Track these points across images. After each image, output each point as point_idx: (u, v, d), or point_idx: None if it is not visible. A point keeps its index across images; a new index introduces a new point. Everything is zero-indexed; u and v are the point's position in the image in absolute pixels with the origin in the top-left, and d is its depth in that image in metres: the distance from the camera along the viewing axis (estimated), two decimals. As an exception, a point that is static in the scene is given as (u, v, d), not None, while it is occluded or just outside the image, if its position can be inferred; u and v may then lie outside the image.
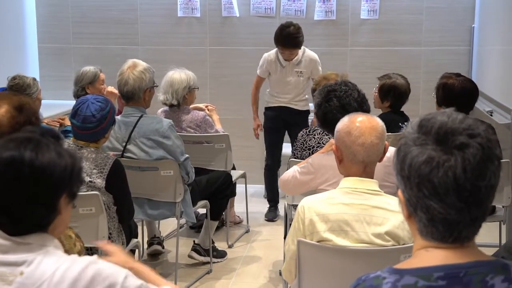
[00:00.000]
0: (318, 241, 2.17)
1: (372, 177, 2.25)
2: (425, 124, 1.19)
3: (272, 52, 4.88)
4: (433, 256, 1.18)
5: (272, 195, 5.10)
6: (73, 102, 4.58)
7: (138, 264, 1.64)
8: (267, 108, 4.97)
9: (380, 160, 2.30)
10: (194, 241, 4.16)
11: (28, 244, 1.41)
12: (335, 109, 2.72)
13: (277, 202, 5.11)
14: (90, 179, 2.91)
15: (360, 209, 2.16)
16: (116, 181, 2.95)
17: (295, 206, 3.48)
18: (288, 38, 4.67)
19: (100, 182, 2.91)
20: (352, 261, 2.13)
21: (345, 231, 2.15)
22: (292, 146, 5.05)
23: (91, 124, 2.94)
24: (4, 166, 1.38)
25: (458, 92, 3.67)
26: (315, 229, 2.17)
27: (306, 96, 4.90)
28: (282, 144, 5.01)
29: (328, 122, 2.76)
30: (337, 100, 2.74)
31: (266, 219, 5.01)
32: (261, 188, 5.55)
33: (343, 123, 2.30)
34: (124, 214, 3.05)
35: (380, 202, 2.17)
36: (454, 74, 3.82)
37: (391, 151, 2.37)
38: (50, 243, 1.43)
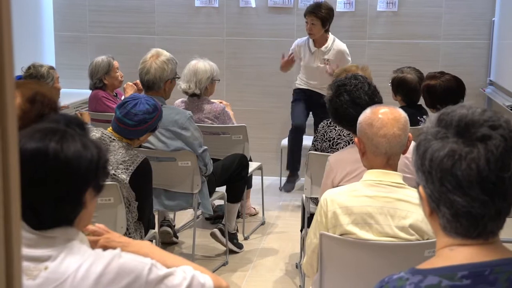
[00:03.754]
0: (341, 234, 2.17)
1: (395, 170, 2.24)
2: (444, 117, 1.18)
3: (304, 38, 4.98)
4: (457, 255, 1.16)
5: (293, 162, 5.01)
6: (89, 92, 4.68)
7: (147, 245, 1.61)
8: (295, 89, 5.07)
9: (404, 152, 2.28)
10: (221, 222, 4.18)
11: (53, 238, 1.39)
12: (346, 104, 2.72)
13: (298, 169, 5.03)
14: (114, 173, 2.90)
15: (384, 201, 2.14)
16: (141, 180, 2.93)
17: (313, 199, 3.50)
18: (313, 5, 4.87)
19: (124, 177, 2.90)
20: (376, 255, 2.12)
21: (368, 224, 2.14)
22: (315, 124, 5.09)
23: (130, 121, 2.94)
24: (29, 159, 1.34)
25: (441, 93, 3.62)
26: (338, 222, 2.16)
27: None
28: (308, 113, 5.02)
29: (339, 117, 2.77)
30: (347, 94, 2.73)
31: (281, 189, 4.98)
32: (277, 180, 5.55)
33: (365, 115, 2.28)
34: (145, 213, 3.04)
35: (404, 195, 2.15)
36: (438, 73, 3.76)
37: (412, 143, 2.36)
38: (76, 237, 1.41)
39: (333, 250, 2.19)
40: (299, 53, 4.97)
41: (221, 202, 4.35)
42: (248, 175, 4.29)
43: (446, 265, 1.15)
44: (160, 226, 4.28)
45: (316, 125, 5.01)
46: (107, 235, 1.62)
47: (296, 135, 4.95)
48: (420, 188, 1.20)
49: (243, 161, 4.15)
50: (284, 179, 5.47)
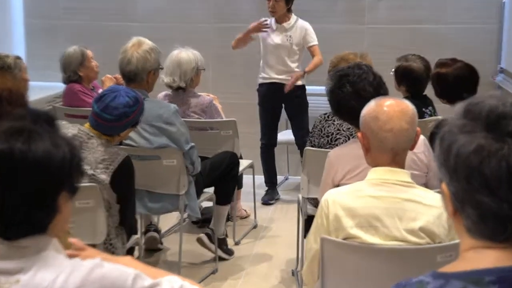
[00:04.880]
0: (344, 239, 2.16)
1: (403, 167, 2.23)
2: (472, 108, 1.15)
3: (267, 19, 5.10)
4: (483, 258, 1.14)
5: (269, 176, 5.28)
6: (63, 86, 4.63)
7: (128, 260, 1.60)
8: (260, 85, 5.17)
9: (412, 148, 2.27)
10: (207, 227, 4.16)
11: (25, 248, 1.36)
12: (349, 96, 2.71)
13: (275, 184, 5.34)
14: (93, 173, 2.86)
15: (391, 202, 2.13)
16: (122, 180, 2.92)
17: (310, 200, 3.49)
18: None
19: (104, 178, 2.87)
20: (383, 261, 2.11)
21: (374, 226, 2.12)
22: (292, 126, 5.22)
23: (109, 116, 2.92)
24: None
25: (453, 83, 3.60)
26: (341, 225, 2.15)
27: (301, 70, 5.08)
28: (277, 122, 5.24)
29: (341, 111, 2.77)
30: (350, 85, 2.72)
31: (262, 202, 5.14)
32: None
33: (369, 108, 2.27)
34: (127, 216, 3.02)
35: (413, 195, 2.15)
36: (450, 60, 3.73)
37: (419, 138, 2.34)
38: (50, 246, 1.38)
39: (336, 256, 2.17)
40: (259, 34, 5.07)
41: (210, 204, 4.32)
42: (239, 174, 4.28)
43: (471, 269, 1.13)
44: (146, 231, 4.26)
45: (294, 124, 5.20)
46: (84, 253, 1.59)
47: (268, 151, 5.25)
48: (443, 185, 1.18)
49: (233, 160, 4.14)
50: (279, 178, 5.48)
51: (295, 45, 5.02)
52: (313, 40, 5.06)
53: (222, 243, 4.14)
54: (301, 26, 5.04)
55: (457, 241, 2.07)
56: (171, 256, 4.23)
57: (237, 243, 4.44)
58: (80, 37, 5.62)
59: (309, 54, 5.08)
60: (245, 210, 4.92)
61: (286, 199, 5.31)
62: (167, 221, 4.70)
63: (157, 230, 4.29)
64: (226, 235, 4.25)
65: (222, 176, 4.05)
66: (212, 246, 4.07)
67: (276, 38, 5.04)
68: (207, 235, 4.08)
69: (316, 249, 2.22)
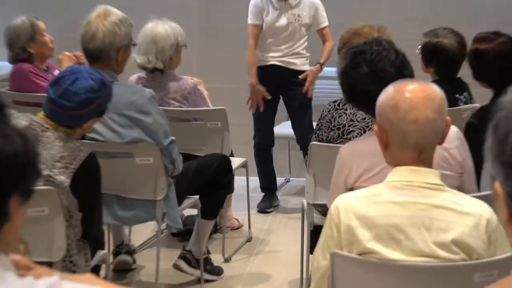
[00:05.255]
0: (359, 254, 2.17)
1: (430, 166, 2.23)
2: None
3: None
4: None
5: (266, 182, 5.36)
6: (8, 66, 4.61)
7: (91, 278, 1.61)
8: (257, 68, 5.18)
9: (441, 142, 2.29)
10: (184, 247, 4.18)
11: None
12: (365, 78, 2.73)
13: (274, 189, 5.41)
14: (50, 173, 2.85)
15: (417, 209, 2.14)
16: (86, 183, 2.92)
17: (317, 207, 3.53)
18: None
19: (63, 179, 2.87)
20: (407, 281, 2.12)
21: (396, 239, 2.13)
22: (292, 122, 5.23)
23: (69, 103, 2.91)
24: None
25: (494, 61, 3.58)
26: (355, 238, 2.16)
27: (307, 53, 5.19)
28: (274, 115, 5.30)
29: (356, 96, 2.79)
30: (367, 65, 2.74)
31: (258, 209, 5.21)
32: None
33: (387, 95, 2.27)
34: (92, 227, 3.03)
35: (443, 200, 2.16)
36: (491, 34, 3.70)
37: (452, 130, 2.38)
38: None
39: (349, 275, 2.18)
40: (260, 14, 5.09)
41: (194, 211, 4.32)
42: (231, 169, 4.31)
43: None
44: (116, 253, 4.27)
45: (296, 118, 5.22)
46: (34, 272, 1.59)
47: (263, 152, 5.32)
48: (496, 184, 1.18)
49: (225, 164, 4.19)
50: (279, 180, 5.49)
51: (303, 26, 5.09)
52: (325, 20, 5.10)
53: (205, 263, 4.16)
54: (309, 2, 5.08)
55: (500, 257, 2.09)
56: (147, 276, 4.22)
57: (227, 260, 4.44)
58: (31, 7, 5.60)
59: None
60: (237, 220, 4.92)
61: (287, 206, 5.34)
62: (141, 233, 4.71)
63: (130, 252, 4.31)
64: (208, 252, 4.27)
65: (211, 183, 4.07)
66: (194, 271, 4.10)
67: (281, 19, 5.07)
68: (185, 258, 4.11)
69: (325, 267, 2.23)
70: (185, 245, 4.19)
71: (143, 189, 3.65)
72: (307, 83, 5.05)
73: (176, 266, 4.09)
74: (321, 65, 5.12)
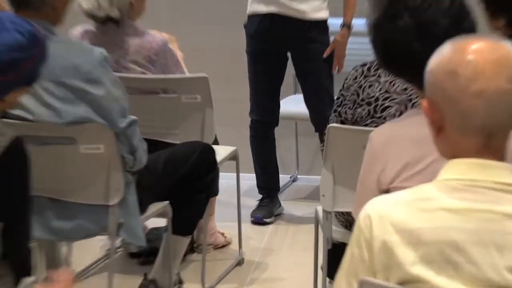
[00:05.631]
0: (400, 283, 2.12)
1: (502, 159, 2.21)
2: None
3: None
4: None
5: (265, 180, 5.52)
6: None
7: None
8: (250, 18, 5.31)
9: (519, 123, 2.25)
10: (145, 275, 4.19)
11: None
12: (407, 33, 2.75)
13: (276, 190, 5.56)
14: None
15: (483, 220, 2.10)
16: (9, 180, 2.91)
17: (339, 216, 3.63)
18: None
19: None
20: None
21: (453, 262, 2.08)
22: (305, 94, 5.39)
23: None
24: None
25: None
26: (394, 260, 2.12)
27: None
28: (280, 83, 5.44)
29: (393, 58, 2.81)
30: (410, 14, 2.76)
31: (252, 220, 5.38)
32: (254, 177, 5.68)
33: (441, 56, 2.21)
34: (16, 244, 3.04)
35: (522, 208, 2.12)
36: None
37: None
38: None
39: (386, 314, 2.14)
40: None
41: (162, 222, 4.31)
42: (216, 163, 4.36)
43: None
44: None
45: (309, 89, 5.36)
46: None
47: (263, 134, 5.48)
48: None
49: (207, 156, 4.23)
50: (283, 178, 5.49)
51: None
52: None
53: None
54: None
55: None
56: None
57: None
58: None
59: None
60: (222, 234, 5.01)
61: (293, 215, 5.45)
62: (87, 252, 4.80)
63: None
64: (180, 281, 4.31)
65: (187, 183, 4.12)
66: None
67: None
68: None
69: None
70: (147, 272, 4.20)
71: (90, 189, 3.69)
72: (335, 61, 5.15)
73: None
74: (349, 26, 5.22)
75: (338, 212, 3.57)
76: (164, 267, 4.12)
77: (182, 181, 4.10)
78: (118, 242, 4.29)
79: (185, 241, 4.23)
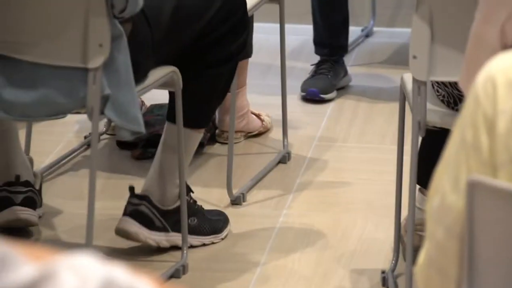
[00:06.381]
0: None
1: None
2: None
3: None
4: None
5: (326, 30, 5.67)
6: None
7: None
8: None
9: None
10: (131, 190, 4.39)
11: None
12: None
13: (342, 49, 5.71)
14: None
15: None
16: None
17: (438, 87, 3.61)
18: None
19: None
20: None
21: None
22: None
23: None
24: None
25: None
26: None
27: None
28: None
29: None
30: None
31: (303, 94, 5.66)
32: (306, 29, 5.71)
33: None
34: None
35: None
36: None
37: None
38: None
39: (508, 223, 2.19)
40: None
41: (164, 96, 4.40)
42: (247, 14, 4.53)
43: None
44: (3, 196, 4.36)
45: None
46: None
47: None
48: None
49: (235, 7, 4.37)
50: (352, 31, 5.52)
51: None
52: None
53: (189, 213, 4.38)
54: None
55: None
56: (70, 232, 4.39)
57: (235, 201, 4.70)
58: None
59: None
60: (257, 116, 5.22)
61: (366, 88, 5.49)
62: (55, 141, 4.86)
63: (34, 199, 4.38)
64: (189, 190, 4.46)
65: (204, 49, 4.28)
66: (157, 237, 4.35)
67: None
68: (137, 213, 4.31)
69: (458, 209, 2.26)
70: (131, 186, 4.37)
71: (60, 44, 3.82)
72: None
73: (120, 231, 4.33)
74: None
75: (436, 82, 3.66)
76: (159, 174, 4.30)
77: (196, 44, 4.20)
78: (102, 125, 4.37)
79: (196, 136, 4.42)
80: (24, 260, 1.52)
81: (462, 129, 2.26)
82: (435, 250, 2.36)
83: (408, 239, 3.77)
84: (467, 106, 2.25)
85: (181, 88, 4.16)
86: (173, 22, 4.12)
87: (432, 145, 3.44)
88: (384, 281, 4.12)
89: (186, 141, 4.30)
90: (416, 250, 3.17)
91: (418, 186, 3.87)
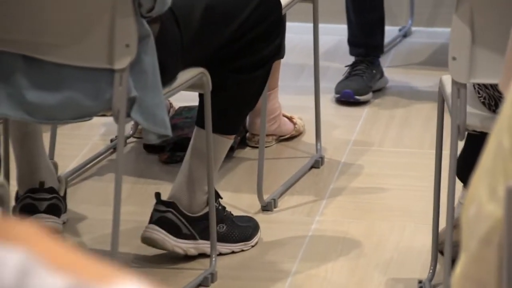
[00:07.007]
0: None
1: None
2: None
3: None
4: None
5: (361, 30, 5.72)
6: None
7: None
8: None
9: None
10: (157, 196, 4.39)
11: None
12: None
13: (378, 49, 5.73)
14: None
15: None
16: None
17: (480, 90, 3.71)
18: None
19: None
20: None
21: None
22: None
23: None
24: None
25: None
26: None
27: None
28: None
29: None
30: None
31: (337, 96, 5.62)
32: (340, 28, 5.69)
33: None
34: None
35: None
36: None
37: None
38: None
39: None
40: None
41: (194, 99, 4.37)
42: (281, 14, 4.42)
43: None
44: (24, 201, 4.33)
45: None
46: None
47: None
48: None
49: (270, 8, 4.35)
50: (390, 31, 5.51)
51: None
52: None
53: (217, 220, 4.36)
54: None
55: None
56: (94, 241, 4.38)
57: (265, 208, 4.68)
58: None
59: None
60: (290, 118, 5.22)
61: (403, 89, 5.48)
62: (80, 144, 4.86)
63: (58, 206, 4.39)
64: (218, 196, 4.44)
65: (240, 43, 4.26)
66: (184, 244, 4.36)
67: None
68: (164, 221, 4.31)
69: (496, 218, 2.22)
70: (157, 193, 4.35)
71: (84, 44, 3.81)
72: None
73: (146, 239, 4.33)
74: None
75: (477, 84, 3.63)
76: (188, 180, 4.30)
77: (228, 47, 4.18)
78: (128, 128, 4.39)
79: (226, 142, 4.42)
80: (50, 269, 1.48)
81: (499, 135, 2.22)
82: (471, 261, 2.34)
83: (446, 248, 3.76)
84: (505, 110, 2.21)
85: (210, 90, 4.12)
86: (204, 22, 4.11)
87: (472, 146, 3.47)
88: (421, 291, 4.10)
89: (215, 147, 4.30)
90: (454, 259, 3.17)
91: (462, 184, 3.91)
